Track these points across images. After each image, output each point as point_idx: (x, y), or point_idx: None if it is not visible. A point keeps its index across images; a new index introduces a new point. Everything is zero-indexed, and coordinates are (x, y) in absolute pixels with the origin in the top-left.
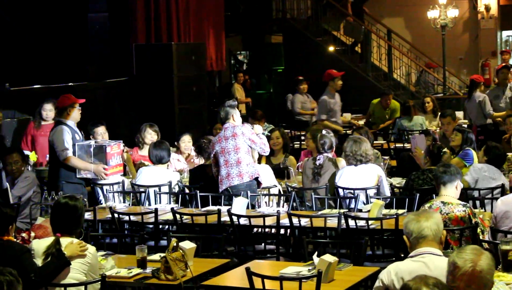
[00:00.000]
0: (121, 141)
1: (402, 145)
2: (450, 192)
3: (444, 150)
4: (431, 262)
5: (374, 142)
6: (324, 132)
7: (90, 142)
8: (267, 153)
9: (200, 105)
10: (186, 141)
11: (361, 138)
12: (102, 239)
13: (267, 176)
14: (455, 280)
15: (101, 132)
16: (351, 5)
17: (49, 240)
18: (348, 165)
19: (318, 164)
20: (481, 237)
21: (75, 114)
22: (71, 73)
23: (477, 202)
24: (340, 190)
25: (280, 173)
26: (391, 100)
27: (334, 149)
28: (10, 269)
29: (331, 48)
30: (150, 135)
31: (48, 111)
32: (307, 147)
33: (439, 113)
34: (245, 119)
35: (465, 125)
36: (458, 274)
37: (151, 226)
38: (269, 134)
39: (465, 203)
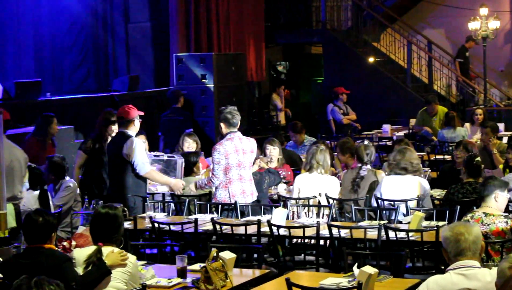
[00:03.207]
0: (180, 155)
1: (442, 156)
2: (491, 204)
3: (476, 159)
4: (472, 275)
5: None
6: (366, 142)
7: (151, 154)
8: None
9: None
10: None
11: (406, 148)
12: (142, 248)
13: (335, 189)
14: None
15: (142, 141)
16: (460, 64)
17: (91, 249)
18: (391, 174)
19: (362, 175)
20: None
21: (138, 125)
22: (112, 83)
23: None
24: (380, 201)
25: None
26: (437, 106)
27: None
28: (57, 281)
29: (371, 59)
30: (188, 144)
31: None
32: (340, 160)
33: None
34: (284, 129)
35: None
36: None
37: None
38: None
39: (507, 214)
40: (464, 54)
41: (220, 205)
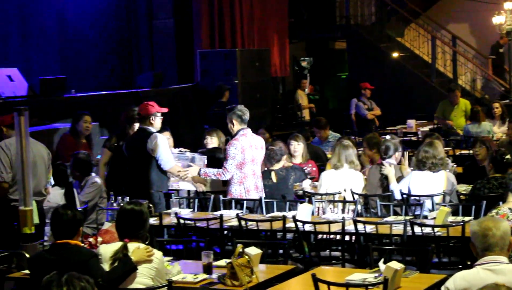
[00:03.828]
0: (205, 157)
1: (467, 151)
2: None
3: (507, 156)
4: (499, 270)
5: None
6: (387, 137)
7: (174, 150)
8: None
9: (263, 111)
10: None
11: (433, 142)
12: (167, 244)
13: (360, 184)
14: None
15: (166, 137)
16: (492, 61)
17: (117, 245)
18: (418, 169)
19: (384, 170)
20: None
21: (158, 123)
22: (136, 79)
23: None
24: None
25: None
26: (459, 95)
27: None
28: (87, 277)
29: (395, 54)
30: (206, 140)
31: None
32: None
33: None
34: (308, 125)
35: None
36: None
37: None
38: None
39: None
40: (498, 50)
41: (244, 201)
